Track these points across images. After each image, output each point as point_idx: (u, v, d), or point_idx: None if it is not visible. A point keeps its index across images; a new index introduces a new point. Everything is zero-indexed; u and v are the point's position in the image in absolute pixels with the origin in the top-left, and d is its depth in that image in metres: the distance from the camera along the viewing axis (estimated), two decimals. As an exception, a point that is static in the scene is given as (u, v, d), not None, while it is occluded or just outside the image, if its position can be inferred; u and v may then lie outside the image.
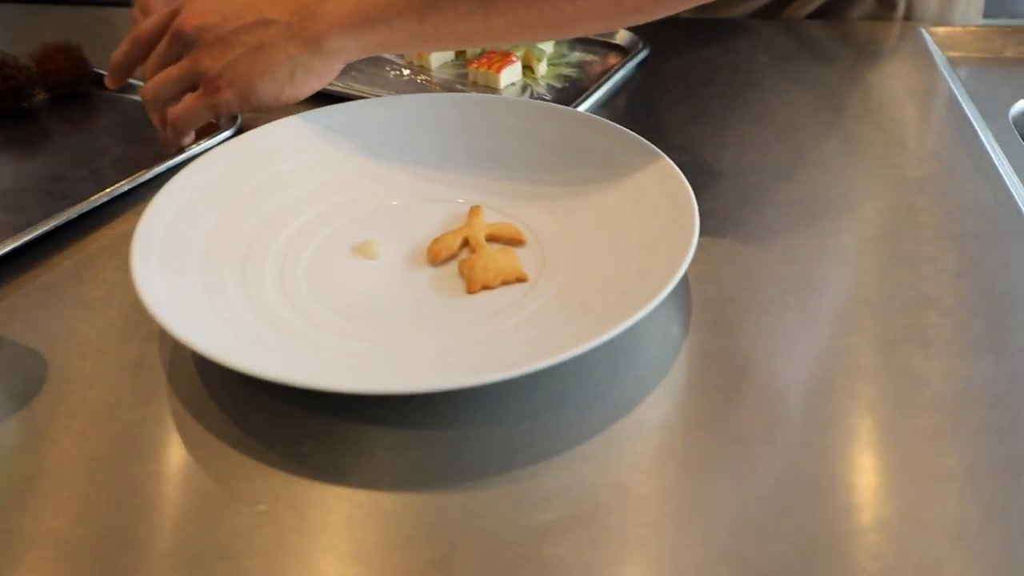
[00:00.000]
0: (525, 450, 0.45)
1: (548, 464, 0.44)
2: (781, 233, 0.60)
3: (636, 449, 0.45)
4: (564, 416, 0.47)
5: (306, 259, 0.57)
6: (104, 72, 0.79)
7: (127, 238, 0.52)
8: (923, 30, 0.87)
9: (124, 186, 0.64)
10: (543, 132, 0.63)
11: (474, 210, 0.60)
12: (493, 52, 0.80)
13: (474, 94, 0.74)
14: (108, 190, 0.63)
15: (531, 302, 0.52)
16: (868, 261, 0.57)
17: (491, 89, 0.78)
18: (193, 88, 0.65)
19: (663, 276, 0.49)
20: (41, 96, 0.77)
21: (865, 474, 0.43)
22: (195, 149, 0.67)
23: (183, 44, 0.65)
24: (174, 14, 0.66)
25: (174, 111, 0.66)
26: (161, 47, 0.66)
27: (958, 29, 0.89)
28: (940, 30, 0.88)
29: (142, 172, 0.65)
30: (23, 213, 0.63)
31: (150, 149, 0.70)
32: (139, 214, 0.54)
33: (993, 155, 0.68)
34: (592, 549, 0.40)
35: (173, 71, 0.65)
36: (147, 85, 0.67)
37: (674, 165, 0.57)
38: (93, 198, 0.62)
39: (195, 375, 0.50)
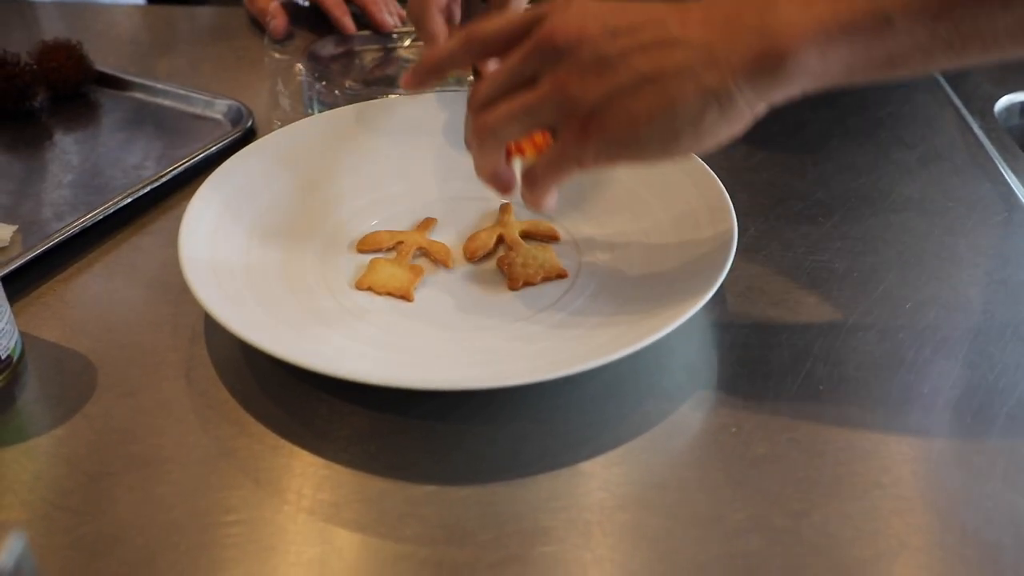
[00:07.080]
0: (579, 444, 0.46)
1: (596, 460, 0.46)
2: (799, 226, 0.62)
3: (681, 445, 0.47)
4: (609, 410, 0.48)
5: (345, 257, 0.57)
6: (106, 71, 0.79)
7: (150, 237, 0.51)
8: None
9: (144, 188, 0.63)
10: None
11: (505, 207, 0.61)
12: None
13: None
14: (132, 191, 0.63)
15: (575, 298, 0.54)
16: (885, 254, 0.59)
17: None
18: (546, 126, 0.47)
19: (709, 267, 0.50)
20: (42, 95, 0.75)
21: (907, 465, 0.45)
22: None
23: (547, 59, 0.45)
24: (537, 18, 0.46)
25: (537, 170, 0.47)
26: (515, 59, 0.46)
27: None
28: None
29: (171, 168, 0.65)
30: (39, 214, 0.63)
31: (159, 146, 0.71)
32: (162, 214, 0.54)
33: (989, 150, 0.71)
34: (629, 547, 0.42)
35: (529, 98, 0.45)
36: (489, 114, 0.47)
37: (701, 161, 0.59)
38: (117, 199, 0.62)
39: (250, 376, 0.50)
